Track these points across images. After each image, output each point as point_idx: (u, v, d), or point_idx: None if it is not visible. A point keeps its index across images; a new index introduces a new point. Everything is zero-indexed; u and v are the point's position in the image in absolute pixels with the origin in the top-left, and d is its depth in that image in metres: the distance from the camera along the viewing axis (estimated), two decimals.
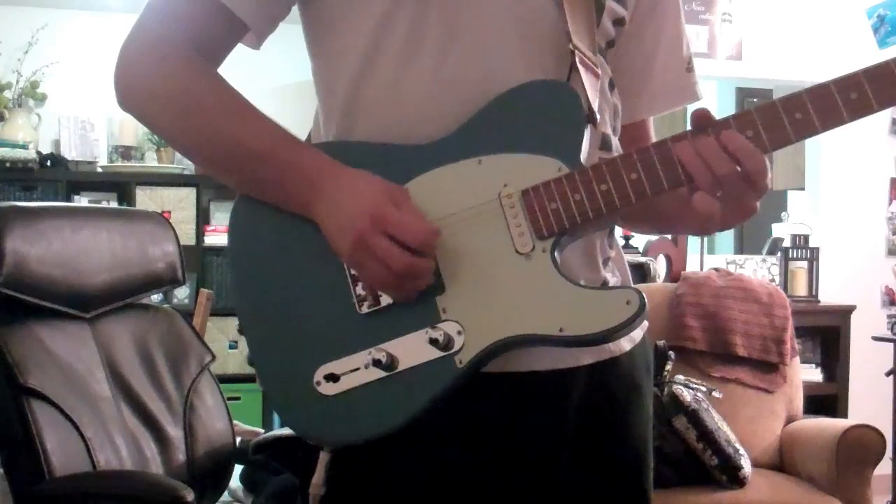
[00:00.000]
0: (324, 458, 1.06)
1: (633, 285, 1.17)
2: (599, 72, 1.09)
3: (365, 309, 1.02)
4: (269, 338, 1.07)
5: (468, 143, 1.02)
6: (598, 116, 1.06)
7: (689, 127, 0.98)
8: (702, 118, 0.98)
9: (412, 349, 1.00)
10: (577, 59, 1.04)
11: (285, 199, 1.04)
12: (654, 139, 1.25)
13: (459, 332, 0.99)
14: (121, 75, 1.07)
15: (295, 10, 1.12)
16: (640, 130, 1.24)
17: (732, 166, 0.95)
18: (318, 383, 1.02)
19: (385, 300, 1.02)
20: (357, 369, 1.01)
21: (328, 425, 1.04)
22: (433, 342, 0.99)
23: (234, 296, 1.10)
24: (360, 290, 1.03)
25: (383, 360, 1.00)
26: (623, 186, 0.98)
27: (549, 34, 1.06)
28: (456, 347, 0.99)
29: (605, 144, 1.11)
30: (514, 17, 1.05)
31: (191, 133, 1.06)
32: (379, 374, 1.01)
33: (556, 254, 1.00)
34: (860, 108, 0.94)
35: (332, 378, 1.02)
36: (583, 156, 1.01)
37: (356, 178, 1.01)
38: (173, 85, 1.05)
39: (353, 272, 1.03)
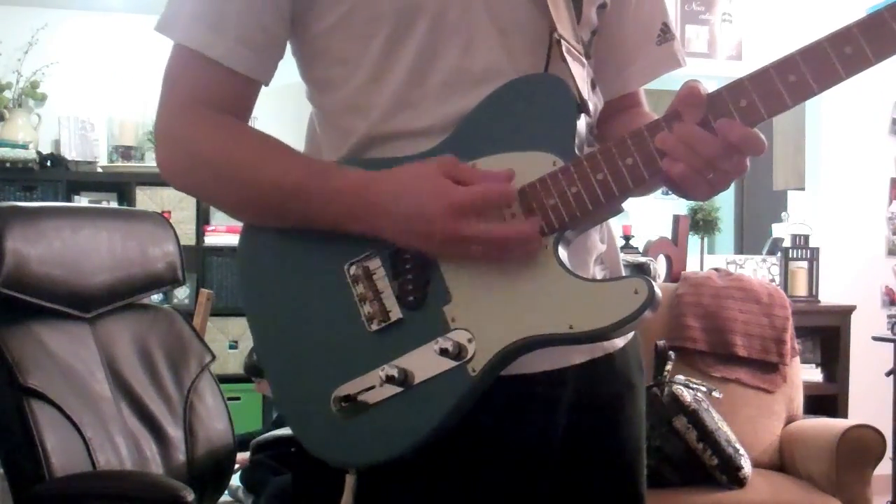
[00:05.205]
0: (350, 480, 1.04)
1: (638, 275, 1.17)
2: (585, 62, 1.09)
3: (374, 327, 1.02)
4: (284, 365, 1.07)
5: (461, 148, 1.01)
6: (590, 105, 1.05)
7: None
8: (691, 95, 0.95)
9: (424, 362, 0.99)
10: (563, 49, 1.03)
11: (334, 222, 1.01)
12: (645, 104, 1.26)
13: (470, 340, 0.98)
14: (161, 159, 1.09)
15: None
16: (630, 99, 1.24)
17: (719, 150, 0.94)
18: (335, 406, 1.02)
19: (394, 315, 1.01)
20: (372, 387, 1.00)
21: (350, 447, 1.03)
22: (444, 352, 0.98)
23: (250, 328, 1.11)
24: (368, 308, 1.02)
25: (396, 375, 0.99)
26: (619, 172, 0.97)
27: (529, 25, 1.05)
28: (468, 356, 0.98)
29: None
30: (493, 10, 1.04)
31: (234, 194, 1.06)
32: (395, 390, 1.00)
33: (559, 249, 0.98)
34: (857, 63, 0.92)
35: (349, 399, 1.01)
36: (577, 145, 1.00)
37: (400, 176, 0.99)
38: (207, 151, 1.05)
39: (359, 292, 1.02)
